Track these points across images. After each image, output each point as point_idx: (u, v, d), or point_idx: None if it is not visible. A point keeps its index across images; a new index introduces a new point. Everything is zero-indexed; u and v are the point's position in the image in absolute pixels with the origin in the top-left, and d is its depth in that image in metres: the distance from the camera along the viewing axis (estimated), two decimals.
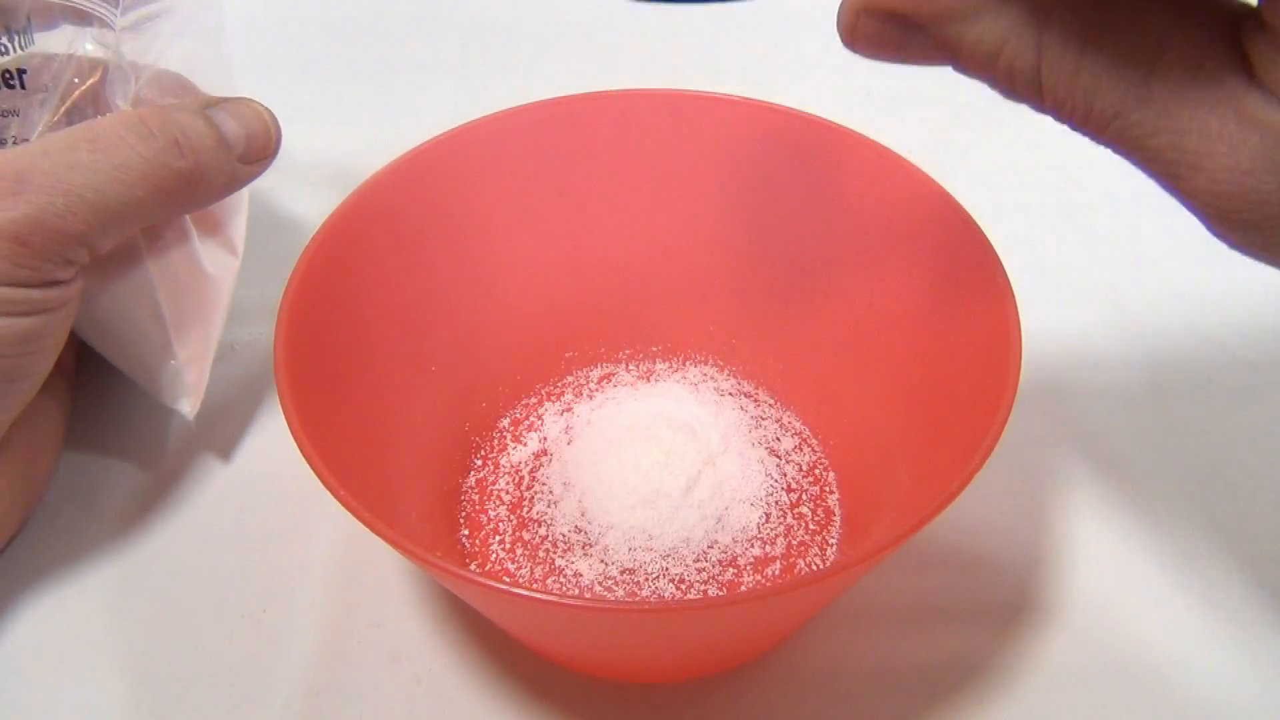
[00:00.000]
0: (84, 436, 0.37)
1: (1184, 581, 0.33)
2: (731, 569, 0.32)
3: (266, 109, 0.33)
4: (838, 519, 0.34)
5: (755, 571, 0.33)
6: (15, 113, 0.31)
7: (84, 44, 0.31)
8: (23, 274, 0.28)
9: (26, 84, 0.31)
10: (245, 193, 0.36)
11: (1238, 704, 0.30)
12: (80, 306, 0.31)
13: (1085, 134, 0.21)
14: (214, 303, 0.35)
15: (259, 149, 0.32)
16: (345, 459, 0.27)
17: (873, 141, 0.33)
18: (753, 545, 0.33)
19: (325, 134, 0.50)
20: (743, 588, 0.32)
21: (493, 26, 0.58)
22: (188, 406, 0.35)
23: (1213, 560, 0.34)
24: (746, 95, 0.35)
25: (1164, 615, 0.32)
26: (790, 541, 0.33)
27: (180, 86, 0.33)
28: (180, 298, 0.33)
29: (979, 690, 0.31)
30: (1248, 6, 0.19)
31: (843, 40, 0.22)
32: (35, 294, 0.28)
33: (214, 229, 0.35)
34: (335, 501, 0.24)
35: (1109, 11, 0.19)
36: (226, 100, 0.32)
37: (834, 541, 0.34)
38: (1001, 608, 0.32)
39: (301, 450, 0.25)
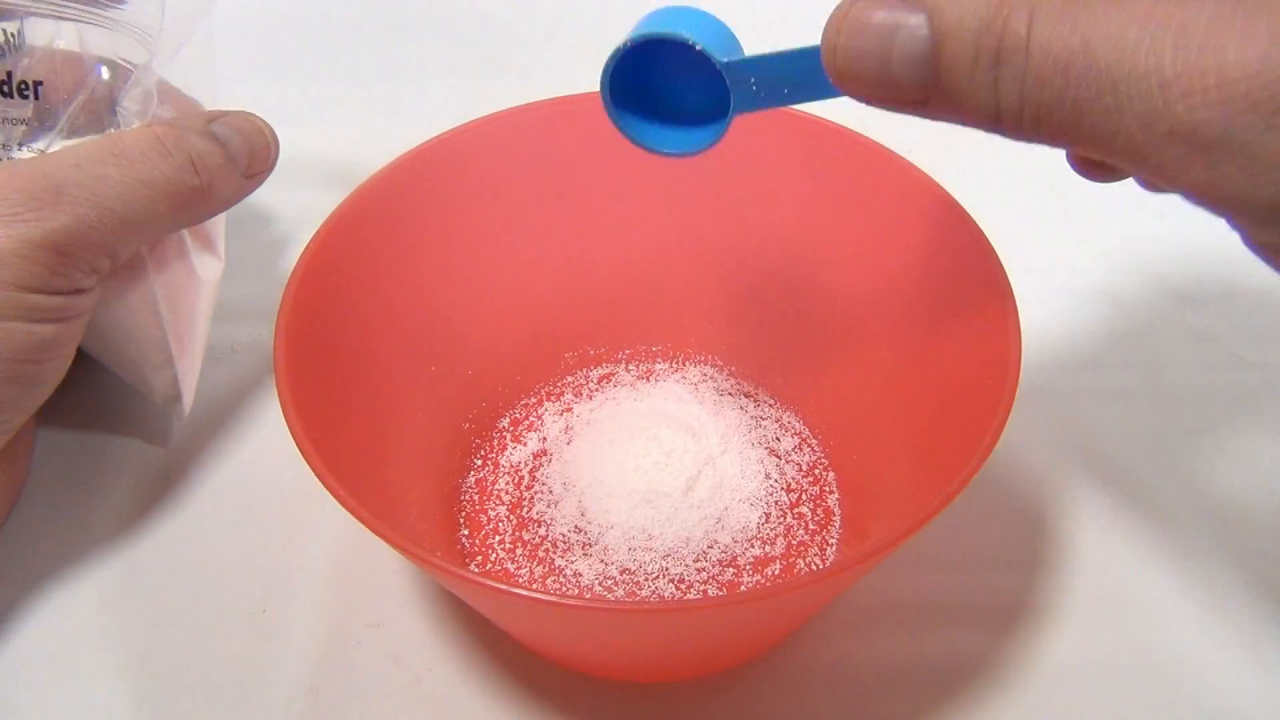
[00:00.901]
0: (87, 437, 0.37)
1: (1183, 581, 0.33)
2: (731, 569, 0.32)
3: (265, 122, 0.34)
4: (837, 519, 0.34)
5: (755, 571, 0.33)
6: (24, 121, 0.31)
7: (90, 45, 0.31)
8: (58, 282, 0.28)
9: (41, 94, 0.31)
10: None
11: (1237, 704, 0.30)
12: None
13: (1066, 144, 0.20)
14: (206, 306, 0.36)
15: (260, 163, 0.33)
16: (345, 459, 0.27)
17: (873, 142, 0.33)
18: (752, 545, 0.33)
19: (325, 134, 0.50)
20: (742, 588, 0.32)
21: (493, 26, 0.58)
22: (184, 407, 0.35)
23: (1212, 559, 0.34)
24: None
25: (1163, 615, 0.32)
26: (790, 541, 0.33)
27: (173, 95, 0.34)
28: (179, 305, 0.34)
29: (979, 690, 0.31)
30: None
31: (825, 57, 0.22)
32: (64, 301, 0.29)
33: (203, 235, 0.36)
34: (335, 501, 0.24)
35: None
36: (227, 115, 0.33)
37: (834, 541, 0.34)
38: (1001, 608, 0.32)
39: (301, 450, 0.25)
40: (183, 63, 0.33)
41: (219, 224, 0.36)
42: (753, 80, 0.24)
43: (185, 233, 0.34)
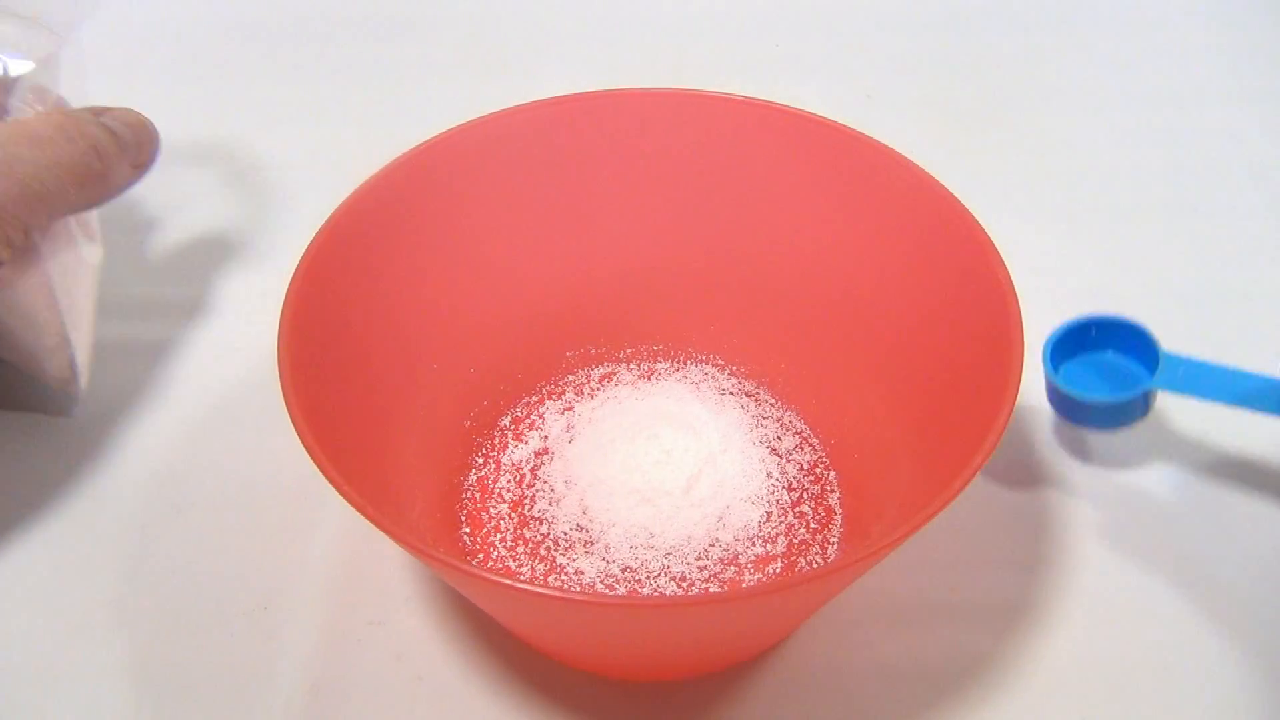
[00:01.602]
0: (84, 436, 0.37)
1: (1184, 581, 0.33)
2: (733, 567, 0.33)
3: (147, 118, 0.35)
4: (838, 518, 0.34)
5: (756, 570, 0.33)
6: None
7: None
8: None
9: None
10: None
11: (1237, 704, 0.30)
12: None
13: None
14: (91, 289, 0.36)
15: (145, 154, 0.35)
16: (347, 457, 0.27)
17: (874, 141, 0.33)
18: (754, 544, 0.33)
19: (325, 134, 0.50)
20: (744, 585, 0.32)
21: (493, 26, 0.58)
22: (80, 386, 0.36)
23: (1212, 559, 0.34)
24: (746, 95, 0.35)
25: (1164, 615, 0.32)
26: (791, 540, 0.33)
27: (43, 93, 0.35)
28: (70, 288, 0.35)
29: (979, 688, 0.31)
30: None
31: None
32: None
33: (83, 222, 0.36)
34: (336, 499, 0.24)
35: None
36: (110, 109, 0.34)
37: (835, 540, 0.34)
38: (1001, 608, 0.33)
39: (306, 448, 0.25)
40: (57, 63, 0.34)
41: (94, 212, 0.37)
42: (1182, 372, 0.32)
43: (70, 219, 0.35)
